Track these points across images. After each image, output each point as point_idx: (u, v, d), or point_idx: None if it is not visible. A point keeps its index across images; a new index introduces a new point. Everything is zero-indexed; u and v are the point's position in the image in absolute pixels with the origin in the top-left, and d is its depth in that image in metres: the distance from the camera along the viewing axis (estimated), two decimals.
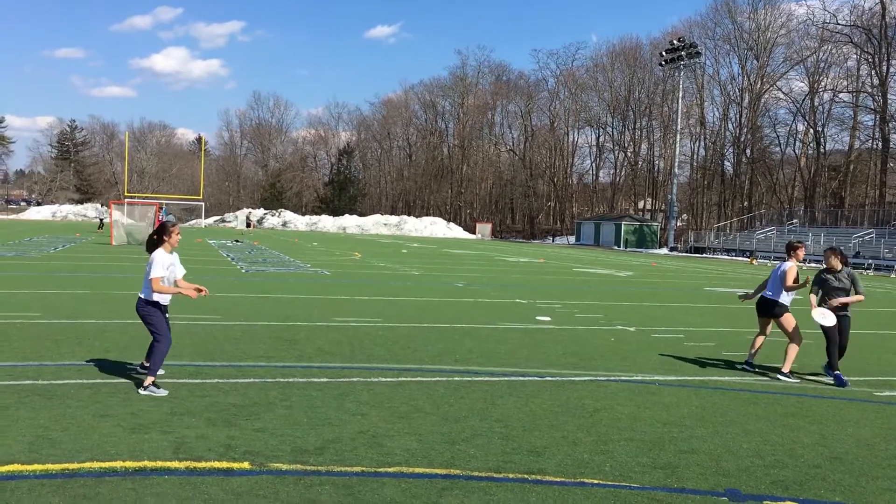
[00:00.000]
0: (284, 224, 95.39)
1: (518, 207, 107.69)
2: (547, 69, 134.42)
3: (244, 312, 12.96)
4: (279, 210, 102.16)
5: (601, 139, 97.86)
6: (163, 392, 7.10)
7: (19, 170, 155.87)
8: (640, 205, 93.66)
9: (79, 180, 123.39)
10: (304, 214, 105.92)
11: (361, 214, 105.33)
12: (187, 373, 7.95)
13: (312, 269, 24.85)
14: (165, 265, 7.41)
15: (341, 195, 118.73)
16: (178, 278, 7.64)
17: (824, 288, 9.48)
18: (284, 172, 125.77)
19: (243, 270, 22.73)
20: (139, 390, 7.13)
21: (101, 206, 64.76)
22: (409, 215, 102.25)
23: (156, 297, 7.35)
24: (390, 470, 5.24)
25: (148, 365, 7.61)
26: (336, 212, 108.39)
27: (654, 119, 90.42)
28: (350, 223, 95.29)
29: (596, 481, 5.21)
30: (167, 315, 7.54)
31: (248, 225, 74.40)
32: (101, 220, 51.48)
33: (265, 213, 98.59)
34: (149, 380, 7.16)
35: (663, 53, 73.75)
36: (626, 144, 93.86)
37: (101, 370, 7.96)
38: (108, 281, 17.84)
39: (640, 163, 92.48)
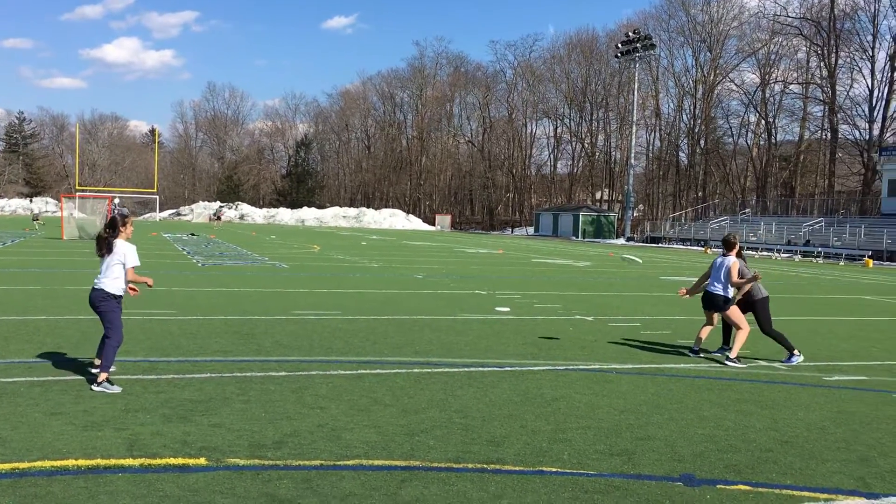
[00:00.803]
0: (241, 217, 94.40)
1: (477, 199, 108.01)
2: (505, 60, 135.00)
3: (201, 307, 12.79)
4: (236, 203, 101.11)
5: (559, 130, 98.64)
6: (116, 389, 6.96)
7: None
8: (598, 195, 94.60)
9: (28, 173, 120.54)
10: (261, 207, 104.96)
11: (320, 207, 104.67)
12: (141, 369, 7.82)
13: (270, 262, 24.63)
14: (130, 256, 7.28)
15: (299, 188, 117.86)
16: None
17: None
18: (241, 165, 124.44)
19: (200, 264, 22.43)
20: (92, 387, 6.99)
21: (31, 200, 63.33)
22: (368, 207, 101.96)
23: (119, 290, 7.23)
24: (349, 463, 5.22)
25: (98, 363, 7.49)
26: (294, 204, 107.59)
27: (610, 110, 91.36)
28: (308, 216, 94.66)
29: (554, 469, 5.25)
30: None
31: (219, 218, 73.52)
32: (36, 215, 50.80)
33: (221, 206, 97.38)
34: (102, 376, 7.01)
35: (619, 45, 74.48)
36: (583, 136, 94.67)
37: (52, 367, 7.79)
38: (60, 276, 17.46)
39: (597, 154, 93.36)
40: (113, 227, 7.36)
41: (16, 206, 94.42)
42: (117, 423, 5.94)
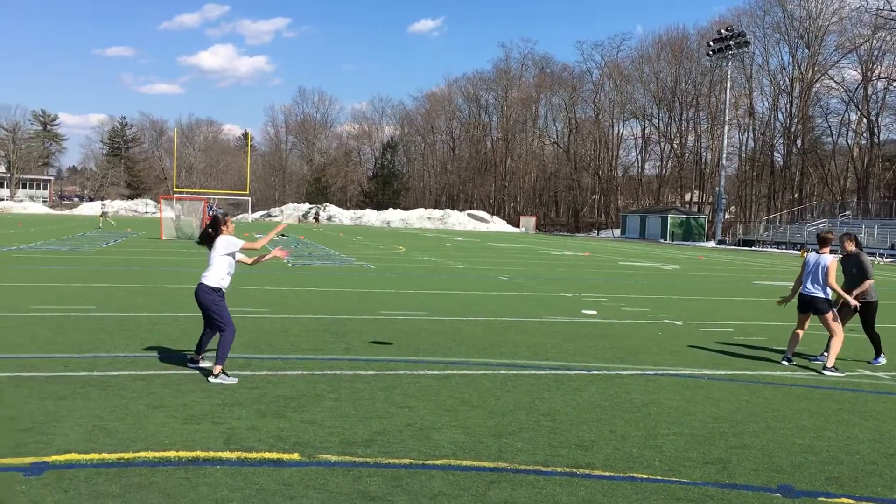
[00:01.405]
0: (329, 218, 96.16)
1: (562, 201, 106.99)
2: (591, 61, 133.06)
3: (292, 306, 13.11)
4: (324, 204, 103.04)
5: (647, 131, 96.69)
6: (232, 380, 7.29)
7: (72, 166, 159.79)
8: (687, 197, 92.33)
9: (129, 176, 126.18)
10: (348, 208, 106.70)
11: (405, 208, 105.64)
12: (237, 365, 8.07)
13: (358, 262, 25.04)
14: (234, 247, 7.60)
15: (385, 189, 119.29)
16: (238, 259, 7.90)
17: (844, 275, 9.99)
18: (329, 167, 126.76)
19: (290, 264, 22.99)
20: (209, 379, 7.32)
21: (103, 200, 65.84)
22: (452, 209, 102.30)
23: (219, 284, 7.53)
24: (438, 462, 5.26)
25: (199, 359, 7.79)
26: (380, 206, 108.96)
27: (701, 110, 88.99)
28: (394, 217, 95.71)
29: (645, 476, 5.16)
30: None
31: (316, 220, 75.19)
32: (105, 213, 53.58)
33: (313, 208, 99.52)
34: (217, 368, 7.34)
35: (710, 43, 72.52)
36: (672, 136, 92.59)
37: (153, 361, 8.13)
38: (159, 275, 18.19)
39: (686, 154, 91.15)
40: (215, 226, 7.70)
41: (118, 206, 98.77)
42: (215, 417, 6.15)
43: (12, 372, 7.38)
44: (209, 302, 7.50)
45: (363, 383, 7.51)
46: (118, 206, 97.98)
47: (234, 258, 7.71)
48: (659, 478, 5.14)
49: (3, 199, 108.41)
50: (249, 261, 8.20)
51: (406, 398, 6.99)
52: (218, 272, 7.55)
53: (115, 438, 5.49)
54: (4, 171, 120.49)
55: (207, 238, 7.69)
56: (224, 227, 7.70)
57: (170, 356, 8.43)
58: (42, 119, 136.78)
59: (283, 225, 8.10)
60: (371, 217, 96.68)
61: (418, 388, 7.37)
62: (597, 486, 4.94)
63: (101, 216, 52.66)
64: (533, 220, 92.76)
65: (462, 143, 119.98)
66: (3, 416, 5.94)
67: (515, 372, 8.34)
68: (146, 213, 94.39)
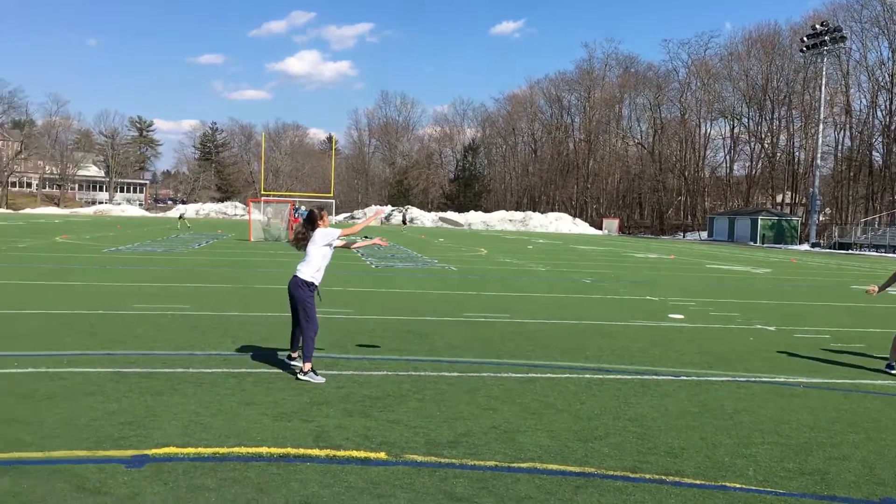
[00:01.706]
0: (411, 220, 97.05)
1: (646, 202, 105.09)
2: (678, 59, 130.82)
3: (375, 307, 13.29)
4: (406, 207, 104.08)
5: (736, 130, 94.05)
6: (320, 379, 7.46)
7: (166, 170, 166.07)
8: (779, 199, 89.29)
9: (219, 179, 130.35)
10: (429, 210, 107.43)
11: (486, 210, 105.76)
12: (324, 364, 8.23)
13: (440, 265, 25.19)
14: (331, 238, 7.79)
15: (466, 191, 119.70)
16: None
17: None
18: (411, 169, 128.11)
19: (373, 266, 23.32)
20: (298, 376, 7.52)
21: (181, 203, 67.78)
22: (534, 211, 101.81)
23: (312, 278, 7.72)
24: (523, 465, 5.24)
25: (296, 356, 7.98)
26: (461, 208, 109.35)
27: (793, 108, 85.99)
28: (475, 219, 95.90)
29: (738, 485, 5.02)
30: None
31: (404, 222, 76.26)
32: (181, 215, 56.03)
33: (392, 210, 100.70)
34: (307, 366, 7.52)
35: (804, 39, 70.00)
36: (762, 135, 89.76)
37: (245, 360, 8.38)
38: (248, 275, 18.73)
39: (778, 154, 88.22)
40: (311, 221, 7.92)
41: (208, 209, 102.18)
42: (304, 414, 6.29)
43: (115, 368, 7.72)
44: (301, 296, 7.67)
45: (447, 384, 7.55)
46: (209, 209, 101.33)
47: (331, 249, 7.87)
48: (753, 488, 4.99)
49: (102, 203, 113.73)
50: (341, 243, 8.29)
51: (490, 400, 6.99)
52: (312, 266, 7.75)
53: (210, 433, 5.68)
54: (104, 175, 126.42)
55: (303, 236, 7.87)
56: (321, 221, 7.89)
57: (260, 355, 8.67)
58: (138, 125, 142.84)
59: (380, 211, 8.21)
60: (452, 219, 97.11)
61: (502, 391, 7.37)
62: (687, 494, 4.83)
63: (179, 219, 55.06)
64: (616, 222, 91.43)
65: (544, 144, 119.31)
66: (106, 409, 6.23)
67: (601, 376, 8.24)
68: (235, 215, 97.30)
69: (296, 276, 7.76)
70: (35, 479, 4.66)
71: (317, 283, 7.79)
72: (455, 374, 8.06)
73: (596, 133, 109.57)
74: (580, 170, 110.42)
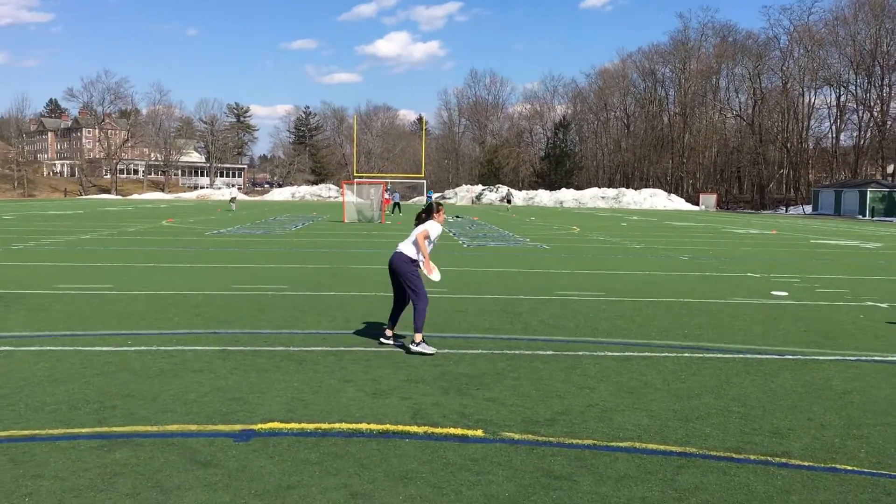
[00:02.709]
0: (502, 199, 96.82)
1: (746, 176, 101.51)
2: (779, 26, 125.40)
3: (469, 286, 13.35)
4: (496, 185, 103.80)
5: (842, 99, 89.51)
6: (431, 350, 7.76)
7: (262, 155, 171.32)
8: (890, 169, 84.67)
9: (313, 162, 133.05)
10: (520, 189, 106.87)
11: (578, 188, 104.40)
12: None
13: (531, 243, 25.06)
14: (435, 233, 8.07)
15: (557, 169, 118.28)
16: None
17: None
18: (501, 148, 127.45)
19: (465, 245, 23.41)
20: (410, 346, 7.83)
21: (232, 186, 66.49)
22: (627, 188, 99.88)
23: (416, 256, 7.97)
24: (622, 444, 5.19)
25: (391, 334, 8.16)
26: (552, 186, 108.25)
27: None
28: (567, 197, 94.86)
29: (850, 467, 4.83)
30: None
31: (509, 202, 75.52)
32: (233, 198, 53.37)
33: (483, 189, 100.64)
34: (418, 336, 7.83)
35: None
36: (871, 103, 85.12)
37: (343, 338, 8.57)
38: (343, 256, 19.11)
39: (889, 123, 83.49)
40: (429, 211, 8.24)
41: (304, 192, 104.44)
42: (401, 392, 6.40)
43: (222, 346, 8.04)
44: (405, 271, 7.94)
45: (542, 363, 7.53)
46: (304, 192, 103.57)
47: (430, 243, 8.16)
48: (866, 470, 4.79)
49: (204, 188, 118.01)
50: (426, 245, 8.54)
51: (586, 379, 6.94)
52: (415, 247, 8.01)
53: (312, 410, 5.85)
54: (205, 160, 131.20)
55: (420, 220, 8.24)
56: (436, 214, 8.21)
57: (357, 333, 8.86)
58: (236, 111, 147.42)
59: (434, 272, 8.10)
60: (544, 197, 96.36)
61: (599, 370, 7.30)
62: (795, 476, 4.68)
63: (230, 201, 53.09)
64: (713, 197, 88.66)
65: (637, 119, 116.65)
66: (214, 385, 6.49)
67: (700, 355, 8.05)
68: (329, 197, 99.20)
69: (400, 253, 8.00)
70: (150, 451, 4.91)
71: (419, 259, 8.04)
72: (550, 352, 8.03)
73: (691, 106, 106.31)
74: (675, 144, 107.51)
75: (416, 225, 8.21)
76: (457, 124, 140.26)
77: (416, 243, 7.96)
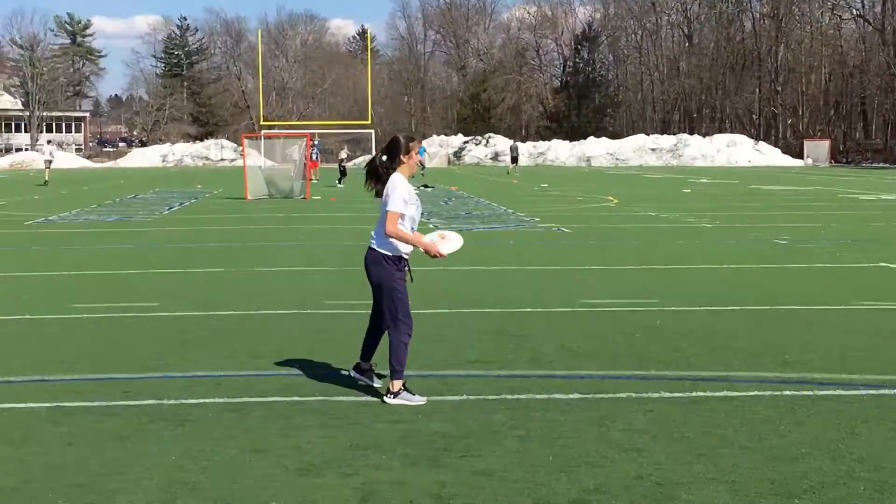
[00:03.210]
0: (496, 156, 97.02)
1: (876, 111, 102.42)
2: None
3: (446, 295, 13.36)
4: (486, 136, 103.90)
5: None
6: (420, 399, 7.77)
7: (114, 96, 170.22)
8: None
9: (195, 106, 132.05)
10: (524, 140, 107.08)
11: (614, 136, 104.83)
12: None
13: (543, 224, 25.12)
14: (408, 196, 7.78)
15: (581, 108, 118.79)
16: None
17: None
18: (492, 76, 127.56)
19: (439, 230, 23.38)
20: (385, 398, 7.81)
21: (48, 143, 65.13)
22: (691, 134, 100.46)
23: (402, 247, 7.84)
24: None
25: (367, 367, 8.22)
26: (574, 134, 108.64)
27: None
28: (597, 150, 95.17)
29: None
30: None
31: (515, 160, 74.43)
32: (49, 161, 52.70)
33: (466, 141, 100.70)
34: (396, 384, 7.79)
35: None
36: None
37: (249, 384, 8.54)
38: (247, 253, 19.04)
39: None
40: (391, 153, 7.90)
41: (182, 153, 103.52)
42: (343, 465, 6.40)
43: (52, 402, 7.98)
44: (379, 278, 7.86)
45: (563, 412, 7.56)
46: (181, 153, 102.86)
47: (417, 208, 7.91)
48: None
49: (21, 149, 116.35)
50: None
51: (632, 435, 6.98)
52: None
53: (202, 498, 5.82)
54: (21, 107, 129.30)
55: (376, 174, 7.94)
56: (404, 157, 7.86)
57: (272, 374, 8.83)
58: (70, 27, 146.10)
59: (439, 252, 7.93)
60: (560, 152, 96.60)
61: (651, 420, 7.34)
62: None
63: (46, 168, 52.48)
64: (826, 144, 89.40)
65: (703, 26, 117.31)
66: (44, 464, 6.44)
67: (808, 392, 8.14)
68: (222, 160, 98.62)
69: (371, 249, 7.93)
70: None
71: (405, 255, 7.90)
72: (575, 395, 8.06)
73: (788, 5, 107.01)
74: (764, 64, 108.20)
75: (374, 185, 8.00)
76: (421, 40, 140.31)
77: (385, 231, 7.77)
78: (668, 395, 8.10)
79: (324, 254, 18.63)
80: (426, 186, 47.21)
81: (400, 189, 7.71)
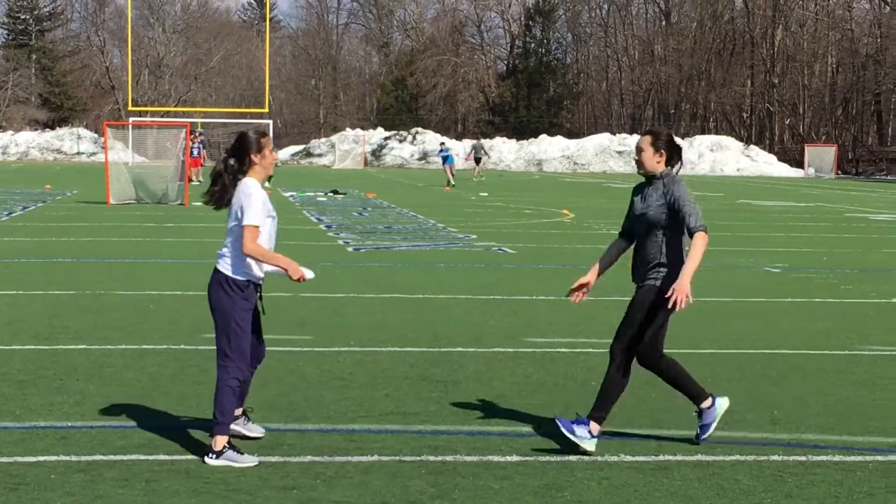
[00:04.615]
0: (424, 156, 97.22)
1: (893, 112, 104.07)
2: None
3: (356, 328, 13.34)
4: (412, 131, 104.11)
5: None
6: (250, 461, 7.61)
7: None
8: None
9: (46, 85, 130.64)
10: (460, 138, 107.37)
11: (572, 135, 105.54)
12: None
13: (480, 243, 25.16)
14: (266, 207, 7.69)
15: (531, 99, 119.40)
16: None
17: None
18: (420, 58, 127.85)
19: (350, 248, 23.35)
20: (206, 458, 7.64)
21: None
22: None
23: (256, 271, 7.75)
24: None
25: (238, 413, 8.04)
26: (522, 131, 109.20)
27: None
28: (550, 152, 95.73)
29: None
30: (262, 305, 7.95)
31: (478, 161, 74.36)
32: None
33: (387, 137, 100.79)
34: (219, 441, 7.64)
35: None
36: None
37: (100, 436, 8.41)
38: (104, 273, 18.83)
39: None
40: (240, 153, 7.81)
41: (27, 144, 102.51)
42: None
43: None
44: (220, 304, 7.73)
45: (498, 479, 7.54)
46: (26, 143, 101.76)
47: (273, 220, 7.86)
48: None
49: None
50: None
51: None
52: (240, 253, 7.72)
53: None
54: None
55: (221, 183, 7.82)
56: (255, 156, 7.79)
57: (130, 425, 8.72)
58: None
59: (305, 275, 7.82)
60: (505, 153, 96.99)
61: (607, 490, 7.36)
62: None
63: None
64: (831, 151, 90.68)
65: (684, 2, 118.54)
66: None
67: (801, 458, 8.21)
68: (79, 153, 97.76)
69: (216, 270, 7.82)
70: None
71: (255, 280, 7.81)
72: (514, 457, 8.06)
73: None
74: (757, 50, 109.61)
75: (217, 197, 7.85)
76: (333, 10, 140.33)
77: (243, 249, 7.65)
78: (629, 458, 8.12)
79: (202, 275, 18.40)
80: (336, 192, 47.13)
81: (255, 196, 7.63)
